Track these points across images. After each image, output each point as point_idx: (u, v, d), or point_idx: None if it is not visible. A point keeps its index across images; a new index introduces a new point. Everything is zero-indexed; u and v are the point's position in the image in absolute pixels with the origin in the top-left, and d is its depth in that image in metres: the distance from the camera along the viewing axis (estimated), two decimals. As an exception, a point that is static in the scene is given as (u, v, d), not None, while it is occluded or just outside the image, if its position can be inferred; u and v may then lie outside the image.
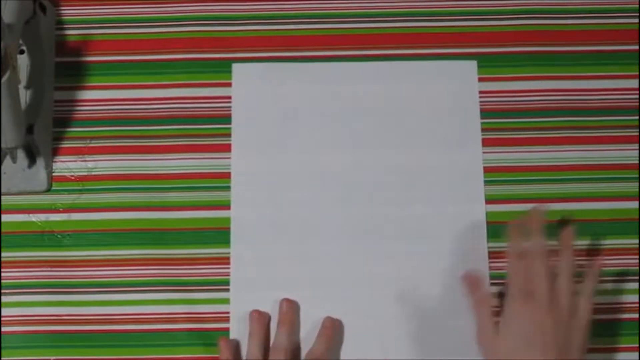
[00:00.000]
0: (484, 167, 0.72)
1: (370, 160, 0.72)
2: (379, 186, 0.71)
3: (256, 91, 0.73)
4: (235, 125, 0.73)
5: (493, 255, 0.70)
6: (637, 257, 0.71)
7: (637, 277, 0.70)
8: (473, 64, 0.74)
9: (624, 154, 0.73)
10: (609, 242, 0.71)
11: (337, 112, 0.73)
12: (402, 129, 0.73)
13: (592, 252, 0.70)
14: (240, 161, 0.72)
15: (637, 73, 0.74)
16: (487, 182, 0.72)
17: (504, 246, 0.69)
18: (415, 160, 0.72)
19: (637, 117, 0.73)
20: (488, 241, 0.70)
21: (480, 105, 0.73)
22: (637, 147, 0.73)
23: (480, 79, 0.74)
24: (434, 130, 0.73)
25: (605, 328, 0.69)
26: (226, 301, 0.69)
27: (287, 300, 0.68)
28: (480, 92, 0.73)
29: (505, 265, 0.66)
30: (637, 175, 0.72)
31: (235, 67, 0.74)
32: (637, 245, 0.71)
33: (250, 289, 0.69)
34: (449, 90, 0.73)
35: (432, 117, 0.73)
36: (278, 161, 0.72)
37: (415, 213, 0.71)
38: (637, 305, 0.70)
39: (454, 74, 0.74)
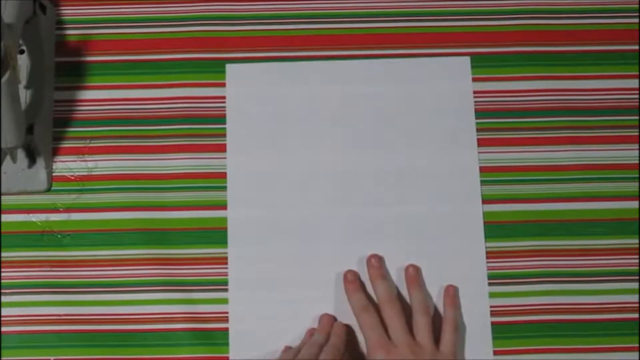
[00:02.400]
0: (481, 167, 0.72)
1: (366, 159, 0.72)
2: (374, 186, 0.71)
3: (250, 92, 0.73)
4: (229, 126, 0.73)
5: (491, 255, 0.70)
6: (637, 257, 0.71)
7: (637, 277, 0.70)
8: (466, 59, 0.74)
9: (624, 154, 0.73)
10: (609, 242, 0.71)
11: (330, 112, 0.73)
12: (397, 128, 0.73)
13: (590, 252, 0.71)
14: (235, 161, 0.72)
15: (637, 73, 0.74)
16: (484, 182, 0.72)
17: (502, 246, 0.70)
18: (411, 160, 0.72)
19: (637, 117, 0.73)
20: (486, 241, 0.70)
21: (477, 105, 0.73)
22: (637, 147, 0.73)
23: (477, 79, 0.74)
24: (430, 130, 0.72)
25: (605, 328, 0.69)
26: (226, 301, 0.69)
27: (327, 315, 0.69)
28: (477, 92, 0.73)
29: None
30: (637, 175, 0.72)
31: (229, 67, 0.74)
32: (637, 245, 0.71)
33: (249, 289, 0.69)
34: (443, 86, 0.73)
35: (427, 116, 0.73)
36: (273, 161, 0.72)
37: (412, 213, 0.71)
38: (637, 305, 0.70)
39: (447, 70, 0.74)
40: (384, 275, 0.69)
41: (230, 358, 0.68)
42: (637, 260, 0.70)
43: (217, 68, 0.74)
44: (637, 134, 0.73)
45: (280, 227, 0.71)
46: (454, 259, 0.70)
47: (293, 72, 0.74)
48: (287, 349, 0.67)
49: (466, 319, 0.69)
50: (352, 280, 0.68)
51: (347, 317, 0.69)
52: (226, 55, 0.74)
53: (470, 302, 0.69)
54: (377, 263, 0.69)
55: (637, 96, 0.74)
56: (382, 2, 0.75)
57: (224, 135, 0.73)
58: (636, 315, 0.69)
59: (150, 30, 0.74)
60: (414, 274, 0.69)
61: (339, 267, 0.70)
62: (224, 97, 0.73)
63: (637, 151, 0.73)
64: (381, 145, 0.72)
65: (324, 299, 0.69)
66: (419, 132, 0.73)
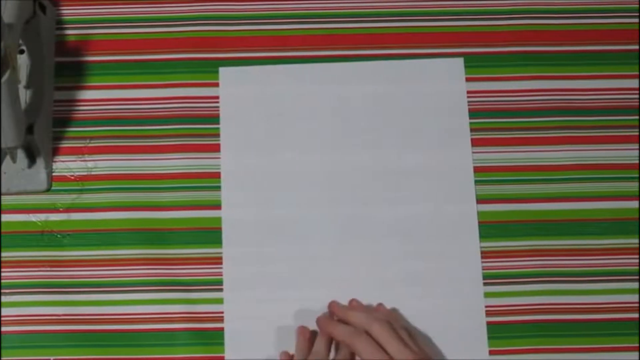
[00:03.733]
0: (475, 167, 0.72)
1: (359, 160, 0.72)
2: (368, 186, 0.71)
3: (244, 93, 0.73)
4: (223, 126, 0.73)
5: (486, 255, 0.70)
6: (637, 257, 0.70)
7: (637, 277, 0.70)
8: (460, 60, 0.74)
9: (624, 154, 0.72)
10: (609, 242, 0.71)
11: (323, 112, 0.73)
12: (391, 129, 0.73)
13: (589, 252, 0.70)
14: (229, 161, 0.72)
15: (637, 73, 0.74)
16: (479, 182, 0.72)
17: (498, 246, 0.70)
18: (405, 160, 0.72)
19: (637, 117, 0.73)
20: (481, 241, 0.70)
21: (471, 105, 0.73)
22: (637, 147, 0.73)
23: (471, 79, 0.73)
24: (424, 130, 0.73)
25: (605, 328, 0.69)
26: (222, 301, 0.69)
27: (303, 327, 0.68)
28: (471, 92, 0.73)
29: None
30: (637, 175, 0.72)
31: (222, 70, 0.74)
32: (637, 245, 0.71)
33: (244, 289, 0.69)
34: (437, 86, 0.73)
35: (421, 116, 0.73)
36: (267, 161, 0.72)
37: (406, 213, 0.71)
38: (637, 305, 0.69)
39: (441, 71, 0.74)
40: (350, 308, 0.68)
41: (225, 358, 0.68)
42: (637, 260, 0.70)
43: (214, 68, 0.74)
44: (637, 134, 0.73)
45: (275, 228, 0.71)
46: (449, 259, 0.70)
47: (287, 74, 0.74)
48: (284, 354, 0.67)
49: (462, 319, 0.69)
50: (325, 321, 0.67)
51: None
52: (223, 55, 0.74)
53: (465, 302, 0.69)
54: (337, 305, 0.68)
55: (637, 96, 0.74)
56: (374, 2, 0.75)
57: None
58: (636, 315, 0.69)
59: (149, 30, 0.75)
60: (355, 304, 0.68)
61: (333, 266, 0.70)
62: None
63: (637, 151, 0.72)
64: (375, 146, 0.72)
65: (318, 299, 0.69)
66: (413, 133, 0.73)
